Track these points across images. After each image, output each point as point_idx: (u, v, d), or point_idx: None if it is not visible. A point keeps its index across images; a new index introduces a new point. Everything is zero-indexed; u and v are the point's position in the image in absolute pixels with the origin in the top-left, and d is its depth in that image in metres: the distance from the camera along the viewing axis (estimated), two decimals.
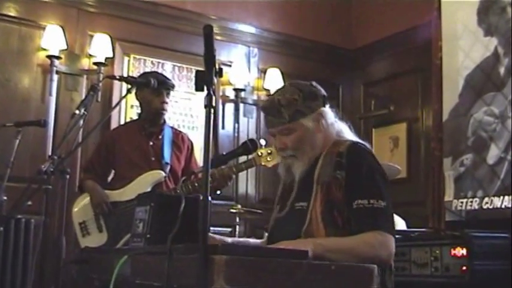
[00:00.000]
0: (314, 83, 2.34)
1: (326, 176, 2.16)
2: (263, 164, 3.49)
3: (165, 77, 3.99)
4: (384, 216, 2.08)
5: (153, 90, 3.73)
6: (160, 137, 3.92)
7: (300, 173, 2.25)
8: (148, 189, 3.72)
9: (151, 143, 3.89)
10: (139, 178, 3.77)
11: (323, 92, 2.33)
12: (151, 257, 1.85)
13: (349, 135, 2.32)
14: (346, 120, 2.40)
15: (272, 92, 5.82)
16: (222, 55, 5.82)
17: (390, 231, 2.08)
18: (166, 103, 3.86)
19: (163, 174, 3.80)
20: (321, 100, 2.29)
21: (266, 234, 2.51)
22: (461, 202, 4.94)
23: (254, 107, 6.02)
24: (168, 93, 3.86)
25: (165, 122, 3.98)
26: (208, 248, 1.57)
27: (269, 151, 3.43)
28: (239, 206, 5.03)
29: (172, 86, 3.91)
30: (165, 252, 1.72)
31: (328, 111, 2.30)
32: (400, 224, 4.75)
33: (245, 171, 5.73)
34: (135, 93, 3.87)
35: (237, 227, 4.94)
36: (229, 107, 5.87)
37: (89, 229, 3.77)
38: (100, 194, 3.79)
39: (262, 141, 3.43)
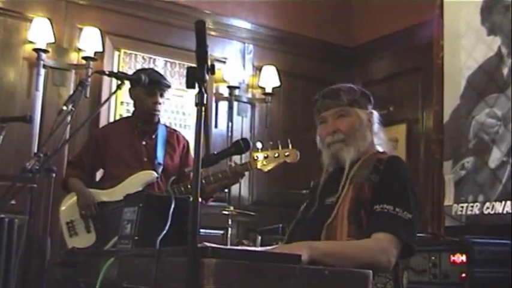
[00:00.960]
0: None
1: (361, 177, 2.23)
2: (259, 167, 3.50)
3: (161, 75, 3.98)
4: (405, 227, 2.12)
5: (146, 88, 3.72)
6: (153, 136, 3.91)
7: (350, 161, 2.29)
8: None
9: (144, 143, 3.89)
10: (130, 178, 3.76)
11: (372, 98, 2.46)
12: (139, 260, 1.84)
13: (389, 149, 2.42)
14: None
15: (268, 90, 5.87)
16: (216, 51, 5.82)
17: (407, 239, 2.10)
18: (159, 103, 3.84)
19: (155, 175, 3.80)
20: (372, 103, 2.43)
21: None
22: (462, 207, 4.96)
23: (248, 106, 6.02)
24: (162, 94, 3.83)
25: (159, 121, 3.97)
26: (197, 251, 1.57)
27: (265, 155, 3.44)
28: (232, 208, 5.03)
29: (167, 86, 3.88)
30: (154, 255, 1.71)
31: (377, 116, 2.41)
32: None
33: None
34: (129, 90, 3.87)
35: (229, 229, 4.94)
36: (223, 105, 5.87)
37: (76, 229, 3.76)
38: (87, 195, 3.78)
39: (259, 144, 3.44)
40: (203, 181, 3.53)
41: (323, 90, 2.43)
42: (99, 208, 3.75)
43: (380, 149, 2.38)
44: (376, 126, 2.39)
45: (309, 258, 1.88)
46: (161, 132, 3.94)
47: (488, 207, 4.75)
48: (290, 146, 3.54)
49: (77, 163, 3.96)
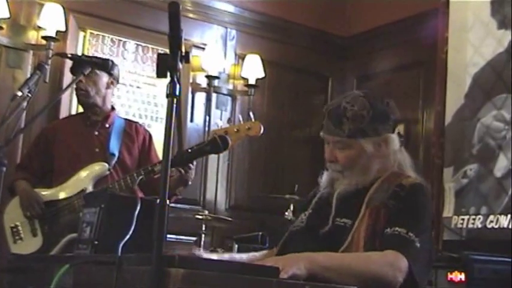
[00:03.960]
0: (391, 103, 2.39)
1: (378, 201, 2.22)
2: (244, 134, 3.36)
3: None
4: (416, 252, 2.11)
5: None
6: (107, 125, 3.94)
7: (340, 192, 2.31)
8: (90, 186, 3.74)
9: (96, 133, 3.92)
10: (79, 172, 3.77)
11: (397, 114, 2.39)
12: (97, 267, 1.84)
13: (411, 171, 2.37)
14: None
15: (251, 82, 5.87)
16: (194, 36, 5.81)
17: (413, 265, 2.08)
18: (81, 81, 3.81)
19: (107, 166, 3.80)
20: (391, 125, 2.35)
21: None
22: (462, 219, 4.99)
23: (229, 98, 6.02)
24: (85, 72, 3.63)
25: (113, 109, 4.02)
26: (163, 259, 1.57)
27: (224, 132, 3.29)
28: (206, 212, 5.03)
29: (100, 65, 3.69)
30: (114, 262, 1.72)
31: (394, 138, 2.35)
32: None
33: (215, 173, 5.82)
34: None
35: (203, 236, 4.94)
36: (200, 97, 5.86)
37: (21, 233, 3.76)
38: (30, 194, 3.79)
39: (219, 122, 3.40)
40: (125, 182, 3.57)
41: (330, 104, 2.40)
42: (46, 208, 3.75)
43: (395, 168, 2.35)
44: (390, 148, 2.34)
45: (308, 272, 1.90)
46: (118, 123, 3.97)
47: (491, 221, 4.78)
48: (252, 118, 3.52)
49: (25, 164, 3.99)
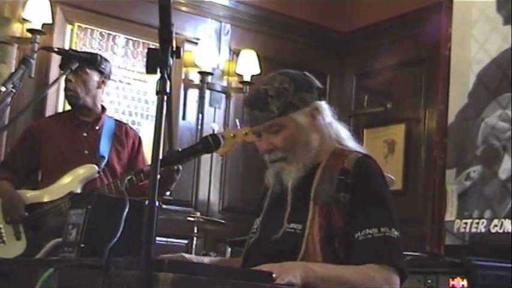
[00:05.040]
0: (307, 73, 2.36)
1: (326, 195, 2.17)
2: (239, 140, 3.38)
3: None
4: (397, 249, 2.11)
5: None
6: (97, 127, 3.93)
7: (293, 181, 2.25)
8: (78, 189, 3.73)
9: (85, 134, 3.91)
10: (67, 174, 3.77)
11: (318, 83, 2.35)
12: (83, 271, 1.84)
13: (350, 142, 2.33)
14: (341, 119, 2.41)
15: (246, 79, 5.87)
16: (186, 30, 5.81)
17: (401, 267, 2.09)
18: (70, 81, 3.81)
19: (97, 169, 3.80)
20: (316, 92, 2.31)
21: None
22: (465, 223, 5.00)
23: (223, 95, 6.02)
24: (75, 69, 3.66)
25: (104, 110, 4.00)
26: (152, 263, 1.57)
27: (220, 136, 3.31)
28: (198, 214, 5.03)
29: (88, 61, 3.71)
30: (101, 266, 1.72)
31: (325, 106, 2.31)
32: None
33: (208, 173, 5.82)
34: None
35: (195, 239, 4.94)
36: (193, 94, 5.86)
37: (3, 237, 3.75)
38: (13, 196, 3.77)
39: (215, 126, 3.38)
40: (115, 185, 3.58)
41: (248, 96, 2.39)
42: (31, 211, 3.74)
43: (336, 143, 2.29)
44: (325, 119, 2.29)
45: (303, 282, 1.90)
46: (108, 124, 3.96)
47: (496, 225, 4.80)
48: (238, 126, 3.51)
49: (8, 163, 3.97)
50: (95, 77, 3.88)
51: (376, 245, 2.08)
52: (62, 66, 3.69)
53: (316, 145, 2.27)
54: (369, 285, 2.02)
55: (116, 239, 1.84)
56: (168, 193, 3.72)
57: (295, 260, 2.11)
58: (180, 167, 3.59)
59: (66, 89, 3.88)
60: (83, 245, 2.06)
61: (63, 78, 3.74)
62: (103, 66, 3.88)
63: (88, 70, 3.83)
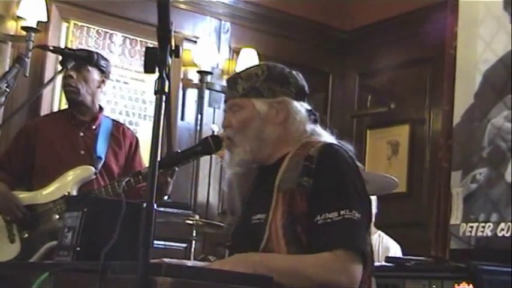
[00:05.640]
0: (296, 72, 2.38)
1: (290, 182, 2.18)
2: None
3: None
4: (356, 231, 2.09)
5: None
6: (94, 127, 3.92)
7: (237, 165, 2.31)
8: (74, 191, 3.72)
9: (81, 134, 3.90)
10: (63, 176, 3.76)
11: (302, 85, 2.37)
12: (79, 276, 1.84)
13: (325, 136, 2.33)
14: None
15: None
16: (185, 28, 5.81)
17: (362, 250, 2.08)
18: (71, 77, 3.80)
19: (93, 170, 3.80)
20: (292, 90, 2.33)
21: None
22: (471, 227, 5.00)
23: (222, 95, 6.01)
24: (78, 66, 3.71)
25: (101, 110, 3.99)
26: (150, 267, 1.57)
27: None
28: (197, 217, 5.03)
29: (84, 59, 3.72)
30: (97, 270, 1.71)
31: (296, 106, 2.32)
32: (393, 249, 4.78)
33: (207, 175, 5.81)
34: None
35: (193, 242, 4.94)
36: (192, 94, 5.86)
37: None
38: (9, 197, 3.76)
39: (215, 127, 3.38)
40: (112, 188, 3.57)
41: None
42: (26, 212, 3.74)
43: (305, 138, 2.30)
44: (293, 117, 2.30)
45: (254, 273, 1.90)
46: (105, 124, 3.95)
47: (502, 229, 4.79)
48: None
49: (3, 163, 3.95)
50: (96, 75, 3.88)
51: (335, 229, 2.07)
52: (63, 64, 3.69)
53: (272, 137, 2.30)
54: (324, 277, 2.02)
55: (112, 243, 1.83)
56: (166, 197, 3.71)
57: (258, 248, 2.13)
58: (176, 168, 3.58)
59: (66, 85, 3.86)
60: (78, 249, 2.05)
61: (59, 77, 3.74)
62: (104, 65, 3.89)
63: (90, 68, 3.83)
